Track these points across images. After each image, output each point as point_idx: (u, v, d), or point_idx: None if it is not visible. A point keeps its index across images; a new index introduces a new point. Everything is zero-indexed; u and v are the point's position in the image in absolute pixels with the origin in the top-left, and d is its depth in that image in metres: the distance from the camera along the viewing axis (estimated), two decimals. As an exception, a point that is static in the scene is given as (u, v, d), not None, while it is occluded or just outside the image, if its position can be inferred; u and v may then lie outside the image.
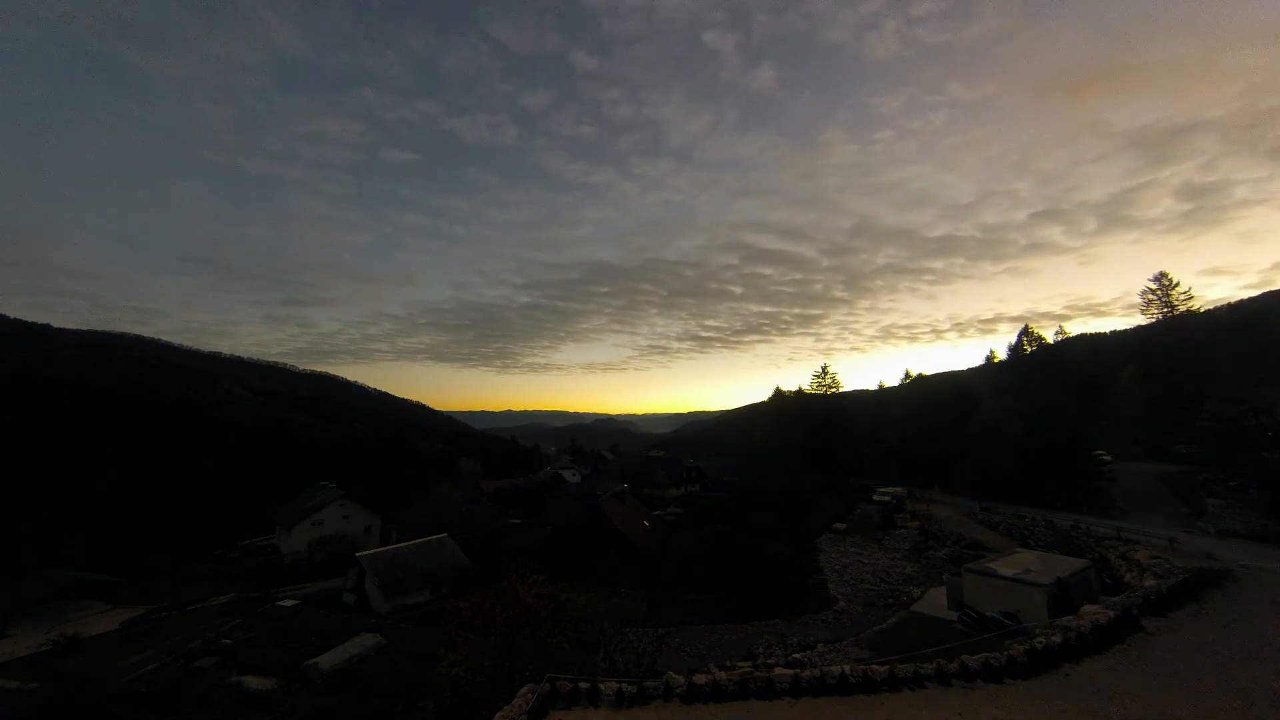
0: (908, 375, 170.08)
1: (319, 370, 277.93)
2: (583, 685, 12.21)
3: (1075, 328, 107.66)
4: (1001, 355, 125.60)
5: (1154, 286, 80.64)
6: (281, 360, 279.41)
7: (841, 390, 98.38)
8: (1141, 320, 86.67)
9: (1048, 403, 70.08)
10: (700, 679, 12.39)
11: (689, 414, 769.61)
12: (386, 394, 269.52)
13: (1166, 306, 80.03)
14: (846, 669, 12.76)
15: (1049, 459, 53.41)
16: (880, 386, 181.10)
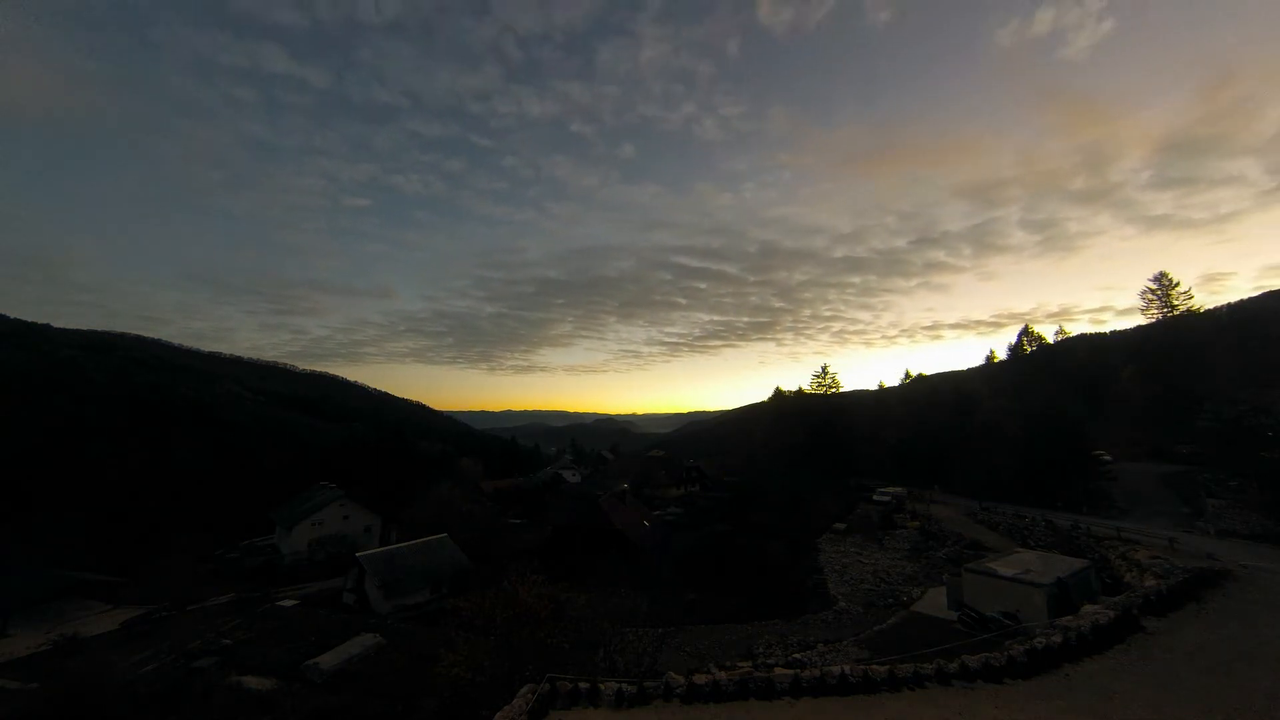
0: (908, 375, 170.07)
1: (319, 370, 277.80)
2: (583, 685, 12.20)
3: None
4: (1001, 355, 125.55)
5: (1154, 287, 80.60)
6: (281, 361, 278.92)
7: (841, 390, 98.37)
8: (1141, 320, 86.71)
9: (1048, 403, 70.00)
10: (700, 679, 12.39)
11: (689, 414, 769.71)
12: (387, 394, 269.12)
13: (1166, 307, 79.97)
14: (846, 669, 12.76)
15: (1049, 459, 53.38)
16: (880, 386, 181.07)
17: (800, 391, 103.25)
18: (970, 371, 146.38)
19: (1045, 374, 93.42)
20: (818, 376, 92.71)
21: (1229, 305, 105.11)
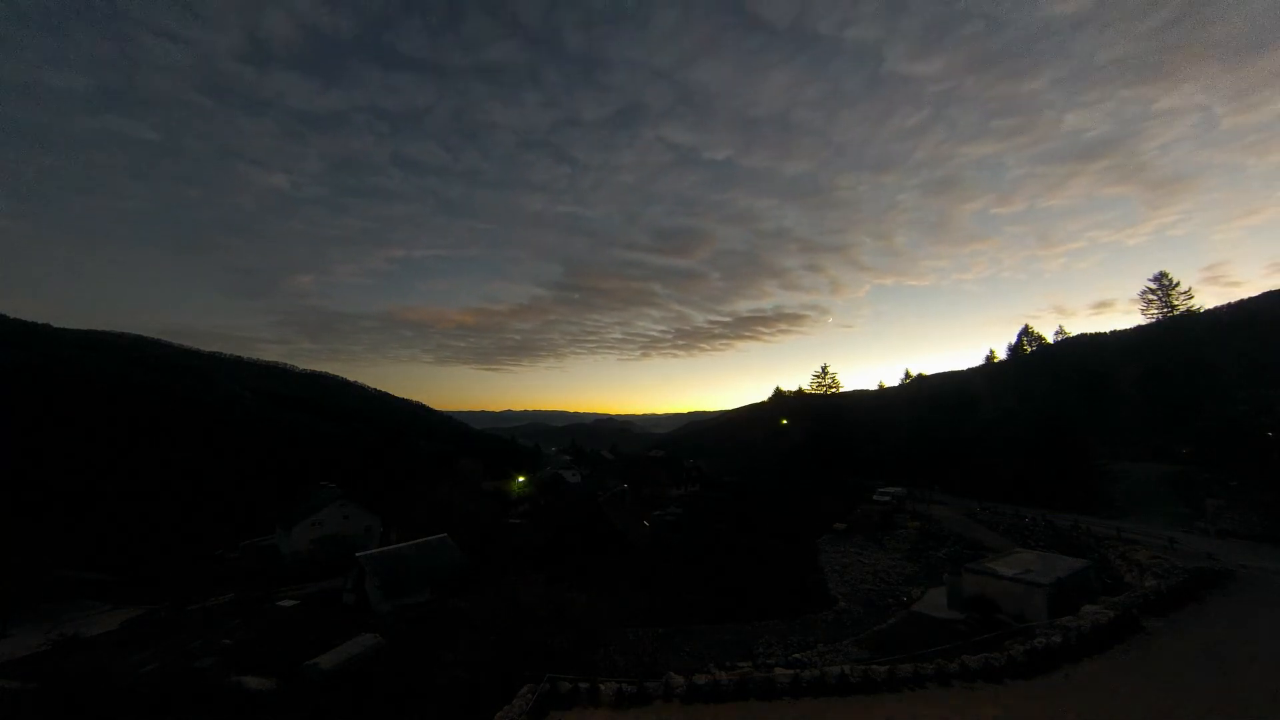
0: (908, 375, 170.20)
1: (319, 370, 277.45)
2: (583, 685, 12.20)
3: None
4: (1002, 355, 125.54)
5: (1154, 286, 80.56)
6: (281, 361, 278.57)
7: (841, 390, 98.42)
8: (1141, 320, 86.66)
9: (1048, 403, 70.00)
10: (700, 679, 12.39)
11: (689, 414, 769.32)
12: (387, 394, 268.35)
13: (1166, 306, 79.97)
14: (846, 669, 12.76)
15: (1049, 459, 53.39)
16: (880, 387, 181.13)
17: (800, 391, 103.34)
18: (970, 371, 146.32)
19: (1045, 374, 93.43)
20: (818, 376, 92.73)
21: (1229, 305, 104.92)
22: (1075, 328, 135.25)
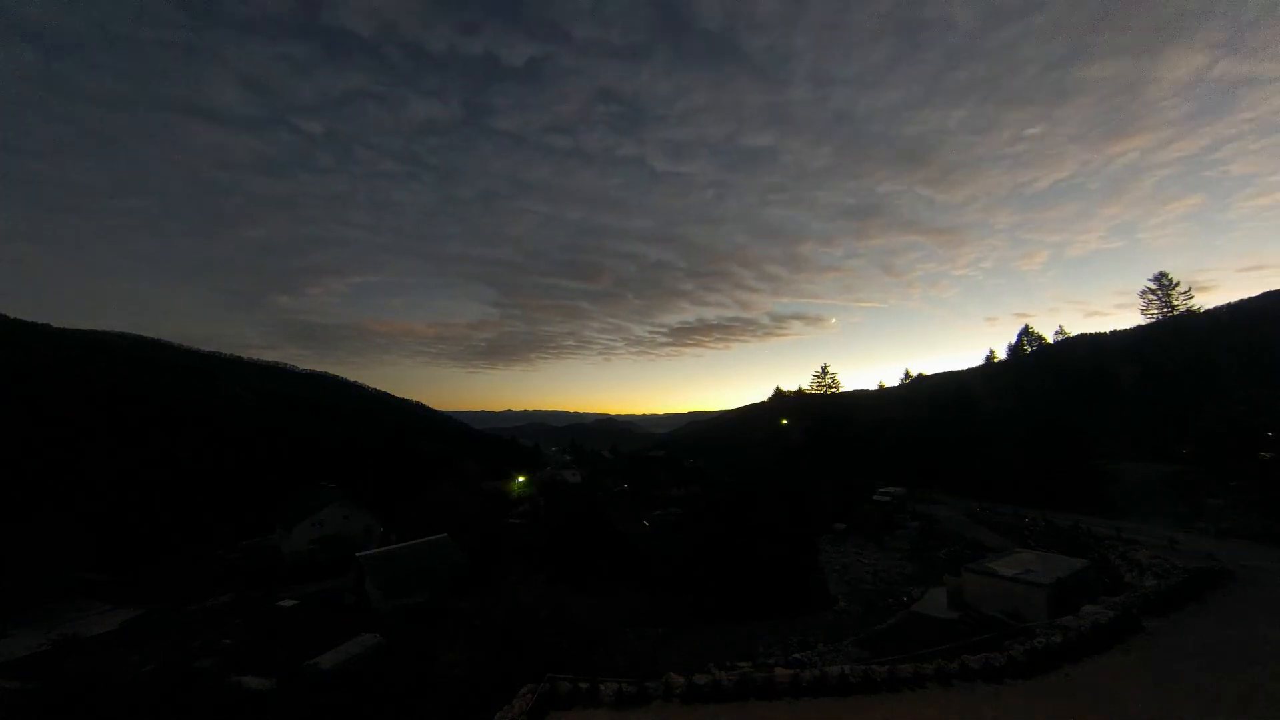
0: (908, 375, 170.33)
1: (319, 370, 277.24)
2: (582, 685, 12.17)
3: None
4: (1002, 355, 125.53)
5: (1154, 286, 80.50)
6: (282, 360, 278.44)
7: (841, 390, 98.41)
8: (1141, 320, 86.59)
9: (1048, 403, 69.97)
10: (700, 679, 12.36)
11: (689, 414, 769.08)
12: (387, 394, 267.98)
13: (1166, 306, 79.90)
14: (846, 669, 12.74)
15: (1049, 459, 53.41)
16: (880, 386, 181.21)
17: (800, 391, 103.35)
18: (970, 372, 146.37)
19: (1045, 374, 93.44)
20: (818, 376, 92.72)
21: (1229, 305, 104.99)
22: (1074, 328, 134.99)
